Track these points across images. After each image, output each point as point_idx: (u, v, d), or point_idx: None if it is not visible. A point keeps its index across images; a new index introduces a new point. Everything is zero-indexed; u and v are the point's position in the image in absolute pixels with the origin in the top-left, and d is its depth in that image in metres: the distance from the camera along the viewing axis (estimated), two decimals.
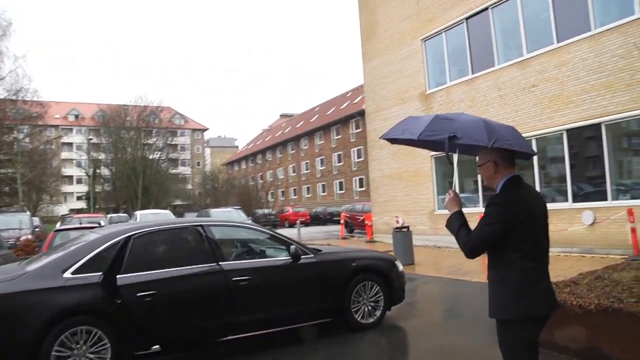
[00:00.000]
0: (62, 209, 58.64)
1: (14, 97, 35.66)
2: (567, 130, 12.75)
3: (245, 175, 68.54)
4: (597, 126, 12.11)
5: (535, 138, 13.49)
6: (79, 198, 70.61)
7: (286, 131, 64.63)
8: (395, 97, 18.42)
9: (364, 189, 46.22)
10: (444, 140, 2.90)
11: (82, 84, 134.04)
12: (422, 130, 2.99)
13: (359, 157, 47.12)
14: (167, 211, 24.51)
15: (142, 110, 49.46)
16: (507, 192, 2.86)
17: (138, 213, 21.44)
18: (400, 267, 6.73)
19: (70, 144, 72.98)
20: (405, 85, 17.93)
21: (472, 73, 15.33)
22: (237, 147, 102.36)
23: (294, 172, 59.16)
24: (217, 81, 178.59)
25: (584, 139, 12.87)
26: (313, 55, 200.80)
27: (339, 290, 5.99)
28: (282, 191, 60.72)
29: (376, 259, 6.68)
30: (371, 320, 6.22)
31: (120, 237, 5.08)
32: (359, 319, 6.12)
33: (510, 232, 2.73)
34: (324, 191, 53.58)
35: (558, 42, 12.86)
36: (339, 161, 50.44)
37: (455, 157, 3.27)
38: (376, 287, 6.27)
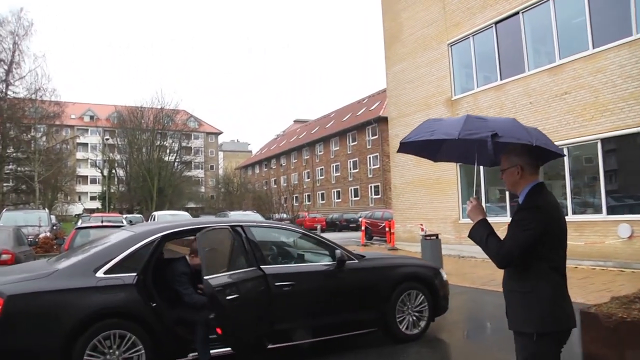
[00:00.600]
0: (76, 209, 58.88)
1: (33, 96, 35.83)
2: (602, 140, 12.33)
3: (258, 180, 68.45)
4: (634, 136, 11.70)
5: (567, 147, 13.07)
6: (92, 198, 70.94)
7: (301, 136, 64.46)
8: (419, 102, 18.09)
9: (379, 196, 45.87)
10: (486, 138, 2.69)
11: (84, 85, 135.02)
12: (460, 129, 2.79)
13: (374, 164, 46.78)
14: (185, 213, 24.25)
15: (158, 112, 49.49)
16: (538, 197, 2.72)
17: (156, 214, 21.21)
18: (445, 276, 6.39)
19: (85, 144, 73.48)
20: (430, 90, 17.60)
21: (501, 79, 14.96)
22: (250, 151, 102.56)
23: (308, 178, 58.89)
24: (232, 86, 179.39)
25: (620, 148, 12.45)
26: (326, 60, 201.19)
27: (384, 298, 5.66)
28: (296, 196, 60.42)
29: (421, 267, 6.35)
30: (415, 331, 5.88)
31: (155, 236, 4.80)
32: (403, 329, 5.78)
33: (543, 240, 2.60)
34: (338, 198, 53.24)
35: (594, 47, 12.46)
36: (355, 168, 50.10)
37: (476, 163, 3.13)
38: (421, 297, 5.94)
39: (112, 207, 43.01)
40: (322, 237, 5.97)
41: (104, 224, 11.13)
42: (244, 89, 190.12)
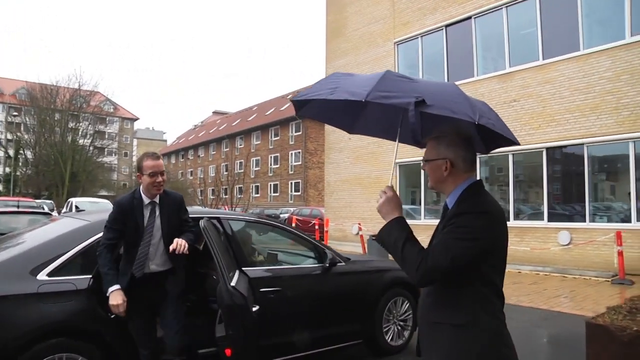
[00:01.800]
0: None
1: None
2: (547, 149, 12.46)
3: (174, 170, 65.73)
4: (579, 147, 11.89)
5: (512, 153, 13.17)
6: None
7: (221, 128, 62.55)
8: None
9: (299, 193, 45.32)
10: (407, 106, 1.95)
11: None
12: (371, 88, 2.00)
13: (296, 160, 46.17)
14: (106, 200, 22.19)
15: (74, 92, 45.78)
16: (484, 200, 2.03)
17: (74, 200, 19.11)
18: None
19: None
20: None
21: (448, 82, 14.80)
22: (165, 140, 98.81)
23: (226, 171, 57.24)
24: (147, 71, 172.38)
25: (564, 158, 12.66)
26: (254, 54, 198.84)
27: (372, 306, 4.98)
28: (213, 189, 58.67)
29: None
30: (400, 342, 5.26)
31: None
32: (389, 340, 5.14)
33: (487, 257, 1.93)
34: (257, 192, 52.09)
35: (544, 58, 12.60)
36: (275, 163, 49.21)
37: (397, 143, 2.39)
38: (407, 304, 5.33)
39: (17, 191, 39.10)
40: (305, 234, 5.12)
41: (21, 209, 9.58)
42: (161, 75, 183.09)
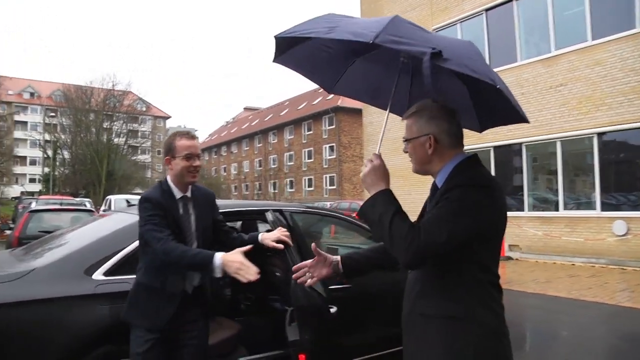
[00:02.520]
0: (13, 191, 54.94)
1: None
2: (599, 134, 11.88)
3: (207, 167, 66.37)
4: (634, 131, 11.30)
5: (560, 140, 12.62)
6: (32, 180, 66.49)
7: (253, 124, 62.80)
8: None
9: (334, 187, 45.10)
10: (422, 55, 1.61)
11: (23, 60, 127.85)
12: (381, 29, 1.67)
13: (330, 154, 45.92)
14: None
15: (107, 93, 46.53)
16: (482, 173, 1.78)
17: (112, 198, 19.39)
18: None
19: (24, 123, 68.69)
20: None
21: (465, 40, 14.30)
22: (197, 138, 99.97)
23: (260, 167, 57.44)
24: (181, 71, 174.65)
25: (618, 144, 12.06)
26: None
27: None
28: (247, 185, 59.00)
29: None
30: None
31: None
32: None
33: (487, 239, 1.72)
34: (291, 187, 52.11)
35: (593, 39, 11.98)
36: (309, 157, 49.06)
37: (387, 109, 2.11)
38: None
39: (56, 190, 40.04)
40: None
41: (64, 207, 9.63)
42: (193, 73, 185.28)
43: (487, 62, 11.04)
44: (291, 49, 2.19)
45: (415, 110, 1.85)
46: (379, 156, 1.87)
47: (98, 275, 3.21)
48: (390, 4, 17.75)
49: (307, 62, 2.32)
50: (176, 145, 2.68)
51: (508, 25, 13.84)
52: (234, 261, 2.39)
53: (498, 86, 1.70)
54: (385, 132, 2.12)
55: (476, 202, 1.66)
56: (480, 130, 2.33)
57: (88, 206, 11.92)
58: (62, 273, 3.22)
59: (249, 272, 2.37)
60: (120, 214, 4.21)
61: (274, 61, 2.25)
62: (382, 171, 1.84)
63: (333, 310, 3.18)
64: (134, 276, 3.23)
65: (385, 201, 1.75)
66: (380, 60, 2.17)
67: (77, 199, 21.77)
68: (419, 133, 1.82)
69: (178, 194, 2.74)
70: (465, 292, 1.69)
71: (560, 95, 12.54)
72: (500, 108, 2.03)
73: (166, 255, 2.47)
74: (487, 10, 14.44)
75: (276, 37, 2.09)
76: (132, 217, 3.86)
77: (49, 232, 8.56)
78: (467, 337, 1.66)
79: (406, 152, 1.90)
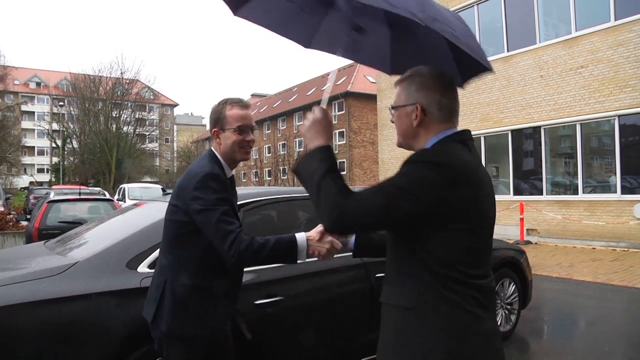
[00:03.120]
0: (22, 181, 55.22)
1: None
2: (620, 116, 11.68)
3: None
4: None
5: (580, 123, 12.44)
6: (40, 170, 66.74)
7: (262, 110, 62.53)
8: None
9: (344, 172, 44.93)
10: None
11: (29, 49, 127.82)
12: None
13: (340, 140, 45.71)
14: (157, 185, 22.37)
15: (117, 80, 46.40)
16: (452, 151, 1.57)
17: (126, 186, 19.35)
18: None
19: (31, 113, 68.85)
20: None
21: (508, 50, 14.08)
22: (204, 125, 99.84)
23: (269, 153, 57.31)
24: (187, 56, 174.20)
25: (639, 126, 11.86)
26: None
27: None
28: (256, 172, 58.93)
29: (511, 249, 5.19)
30: (508, 327, 4.87)
31: None
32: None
33: (431, 223, 1.48)
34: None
35: (616, 19, 11.72)
36: None
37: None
38: (513, 286, 4.93)
39: (66, 179, 40.17)
40: None
41: (82, 196, 9.57)
42: (199, 60, 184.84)
43: (505, 44, 10.85)
44: (248, 3, 1.91)
45: (406, 75, 1.68)
46: (323, 109, 1.73)
47: (143, 268, 3.14)
48: None
49: (272, 15, 2.00)
50: (226, 116, 2.24)
51: (527, 6, 13.56)
52: (321, 242, 2.04)
53: (424, 24, 1.42)
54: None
55: (422, 178, 1.47)
56: (390, 73, 2.08)
57: (107, 195, 11.84)
58: (105, 266, 3.14)
59: (334, 245, 2.06)
60: (157, 203, 4.13)
61: (235, 15, 1.96)
62: (322, 125, 1.69)
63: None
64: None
65: (321, 158, 1.59)
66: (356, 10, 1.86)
67: (96, 189, 21.78)
68: (406, 101, 1.65)
69: (229, 173, 2.30)
70: (420, 284, 1.51)
71: (581, 77, 12.32)
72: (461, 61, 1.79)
73: (256, 257, 2.01)
74: None
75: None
76: (156, 207, 3.78)
77: (68, 223, 8.56)
78: (418, 330, 1.50)
79: (392, 122, 1.74)
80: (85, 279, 3.00)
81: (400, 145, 1.73)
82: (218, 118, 2.26)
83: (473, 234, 1.52)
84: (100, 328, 2.89)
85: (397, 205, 1.46)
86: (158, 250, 3.19)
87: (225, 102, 2.29)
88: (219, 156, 2.26)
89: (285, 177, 54.52)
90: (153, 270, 3.09)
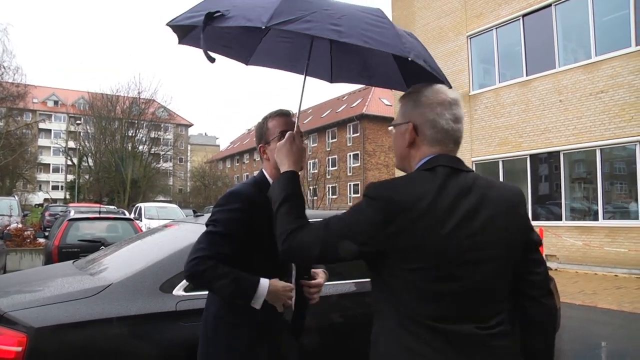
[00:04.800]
0: (36, 198, 55.76)
1: None
2: None
3: (229, 175, 66.57)
4: None
5: (600, 148, 12.32)
6: (54, 187, 67.47)
7: None
8: None
9: (358, 195, 44.86)
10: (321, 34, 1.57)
11: (48, 68, 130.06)
12: (273, 11, 1.54)
13: (355, 162, 45.72)
14: (173, 205, 22.45)
15: (134, 100, 46.97)
16: (403, 180, 1.46)
17: (142, 205, 19.43)
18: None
19: (48, 131, 69.88)
20: None
21: (527, 75, 14.07)
22: (218, 146, 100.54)
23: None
24: (203, 77, 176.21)
25: None
26: None
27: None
28: None
29: None
30: None
31: None
32: None
33: (382, 261, 1.42)
34: (314, 195, 51.98)
35: (637, 44, 11.68)
36: (333, 165, 48.90)
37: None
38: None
39: (81, 197, 40.53)
40: None
41: (102, 215, 9.61)
42: (215, 79, 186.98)
43: (524, 68, 10.85)
44: (192, 32, 1.96)
45: (407, 92, 1.63)
46: (291, 135, 1.78)
47: (178, 291, 3.11)
48: (422, 11, 17.61)
49: (215, 39, 2.04)
50: (269, 127, 2.15)
51: (546, 30, 13.57)
52: (284, 289, 2.00)
53: (409, 58, 1.53)
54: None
55: (360, 214, 1.43)
56: (331, 81, 2.22)
57: (127, 214, 11.89)
58: (139, 288, 3.12)
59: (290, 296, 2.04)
60: (188, 225, 4.12)
61: (179, 43, 2.01)
62: (288, 149, 1.74)
63: None
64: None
65: (283, 184, 1.63)
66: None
67: (111, 207, 21.89)
68: (401, 119, 1.57)
69: None
70: (379, 317, 1.48)
71: (601, 102, 12.25)
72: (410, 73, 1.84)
73: (210, 283, 2.01)
74: (524, 15, 14.19)
75: (171, 26, 1.87)
76: (203, 229, 3.76)
77: (88, 241, 8.58)
78: None
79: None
80: (120, 301, 2.99)
81: (397, 166, 1.65)
82: (261, 133, 2.21)
83: (428, 275, 1.38)
84: (135, 351, 2.87)
85: (334, 242, 1.43)
86: None
87: (266, 117, 2.23)
88: (266, 175, 2.18)
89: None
90: (189, 294, 3.11)
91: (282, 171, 1.70)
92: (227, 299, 2.09)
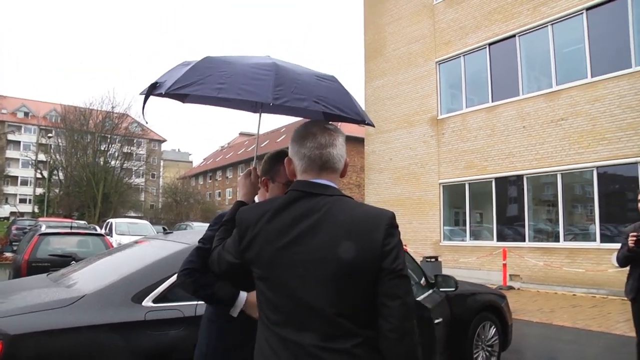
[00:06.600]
0: (2, 211, 54.42)
1: None
2: (598, 168, 12.16)
3: (202, 192, 66.16)
4: (632, 166, 11.57)
5: (560, 173, 12.89)
6: (22, 201, 65.95)
7: (249, 149, 62.95)
8: (400, 119, 17.56)
9: None
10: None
11: (17, 78, 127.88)
12: (179, 77, 1.92)
13: None
14: (145, 221, 22.33)
15: (107, 114, 46.57)
16: (261, 203, 1.81)
17: (113, 221, 19.29)
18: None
19: (17, 143, 68.51)
20: (413, 107, 17.11)
21: (492, 101, 14.66)
22: (190, 162, 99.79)
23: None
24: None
25: (616, 178, 12.33)
26: None
27: (464, 332, 4.81)
28: None
29: (493, 294, 5.55)
30: None
31: None
32: None
33: (247, 271, 1.68)
34: None
35: (592, 76, 12.36)
36: None
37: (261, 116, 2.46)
38: (493, 329, 5.18)
39: (50, 211, 39.78)
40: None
41: (74, 230, 9.66)
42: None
43: (490, 94, 11.35)
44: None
45: None
46: (249, 170, 2.17)
47: (147, 302, 3.31)
48: (393, 36, 18.17)
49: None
50: (279, 170, 2.21)
51: (511, 59, 14.22)
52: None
53: (326, 110, 1.96)
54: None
55: (235, 232, 1.73)
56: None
57: (98, 230, 11.93)
58: (112, 299, 3.30)
59: None
60: (159, 241, 4.32)
61: (184, 103, 2.42)
62: (241, 183, 2.15)
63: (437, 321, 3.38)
64: (182, 303, 3.35)
65: (230, 211, 1.98)
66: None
67: (81, 222, 21.64)
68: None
69: None
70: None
71: (561, 129, 12.85)
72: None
73: (195, 292, 2.19)
74: (490, 44, 14.84)
75: (146, 94, 2.07)
76: (174, 245, 3.98)
77: (59, 256, 8.62)
78: None
79: None
80: (93, 311, 3.17)
81: None
82: (271, 169, 2.34)
83: (265, 283, 1.59)
84: (106, 358, 3.05)
85: (223, 257, 1.82)
86: (163, 285, 3.42)
87: (282, 156, 2.29)
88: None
89: None
90: (158, 305, 3.32)
91: (237, 199, 2.02)
92: (210, 304, 2.38)
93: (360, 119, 2.11)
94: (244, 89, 1.95)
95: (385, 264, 1.49)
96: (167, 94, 2.10)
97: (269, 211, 1.61)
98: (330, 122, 1.82)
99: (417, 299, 4.06)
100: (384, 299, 1.48)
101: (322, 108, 1.99)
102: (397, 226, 1.56)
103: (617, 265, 4.53)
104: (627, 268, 4.43)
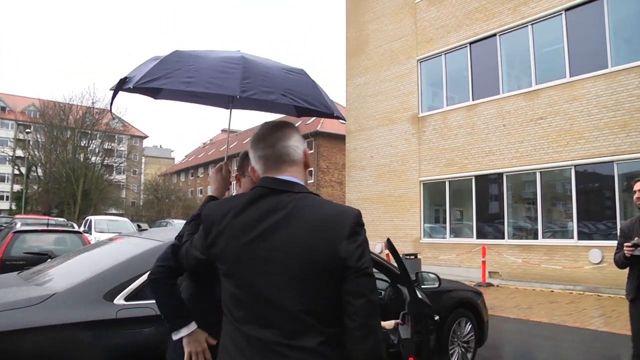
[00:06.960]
0: None
1: None
2: (576, 166, 12.33)
3: (183, 189, 65.71)
4: (609, 164, 11.75)
5: (539, 171, 13.04)
6: None
7: (232, 146, 62.65)
8: (382, 117, 17.61)
9: None
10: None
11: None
12: (146, 72, 2.00)
13: (309, 179, 45.94)
14: (125, 219, 22.06)
15: (87, 110, 45.87)
16: (227, 199, 1.80)
17: (93, 218, 19.02)
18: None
19: None
20: (394, 105, 17.17)
21: (473, 99, 14.77)
22: (172, 159, 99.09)
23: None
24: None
25: (594, 176, 12.52)
26: None
27: (439, 328, 4.83)
28: None
29: (469, 291, 5.58)
30: None
31: None
32: None
33: (203, 266, 1.78)
34: None
35: (571, 76, 12.52)
36: None
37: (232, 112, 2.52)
38: (469, 325, 5.22)
39: (28, 208, 39.11)
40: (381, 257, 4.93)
41: (51, 228, 9.50)
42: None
43: (470, 92, 11.47)
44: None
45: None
46: (221, 165, 2.25)
47: (119, 300, 3.27)
48: (376, 33, 18.19)
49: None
50: (249, 164, 2.15)
51: (492, 58, 14.34)
52: (199, 344, 2.11)
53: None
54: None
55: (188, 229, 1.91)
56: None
57: (75, 227, 11.76)
58: (83, 297, 3.25)
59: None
60: (133, 239, 4.27)
61: (156, 99, 2.55)
62: (213, 178, 2.23)
63: (437, 318, 3.38)
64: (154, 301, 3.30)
65: (201, 206, 1.99)
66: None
67: (60, 219, 21.34)
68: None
69: None
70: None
71: (540, 128, 13.00)
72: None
73: (155, 297, 2.29)
74: (471, 43, 14.94)
75: (115, 89, 2.13)
76: (148, 242, 3.94)
77: (34, 254, 8.46)
78: None
79: None
80: (63, 309, 3.12)
81: None
82: (242, 164, 2.40)
83: (230, 279, 1.58)
84: (77, 357, 3.01)
85: (190, 252, 1.82)
86: (135, 282, 3.38)
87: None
88: None
89: None
90: (130, 303, 3.28)
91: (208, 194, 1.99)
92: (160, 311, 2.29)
93: (329, 112, 2.14)
94: (212, 82, 1.98)
95: (350, 262, 1.48)
96: (136, 89, 2.10)
97: (236, 207, 1.60)
98: (283, 119, 1.88)
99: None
100: (348, 297, 1.48)
101: (289, 101, 2.01)
102: (363, 224, 1.55)
103: (596, 263, 4.54)
104: (604, 264, 4.44)
